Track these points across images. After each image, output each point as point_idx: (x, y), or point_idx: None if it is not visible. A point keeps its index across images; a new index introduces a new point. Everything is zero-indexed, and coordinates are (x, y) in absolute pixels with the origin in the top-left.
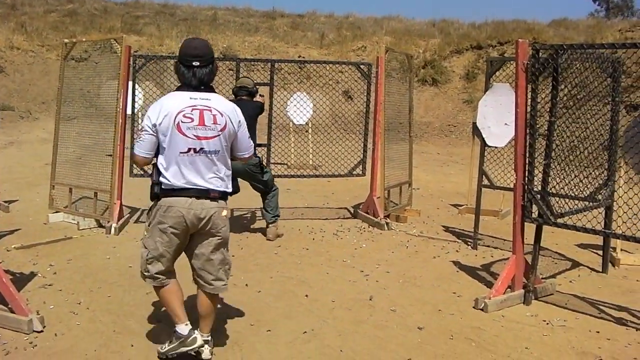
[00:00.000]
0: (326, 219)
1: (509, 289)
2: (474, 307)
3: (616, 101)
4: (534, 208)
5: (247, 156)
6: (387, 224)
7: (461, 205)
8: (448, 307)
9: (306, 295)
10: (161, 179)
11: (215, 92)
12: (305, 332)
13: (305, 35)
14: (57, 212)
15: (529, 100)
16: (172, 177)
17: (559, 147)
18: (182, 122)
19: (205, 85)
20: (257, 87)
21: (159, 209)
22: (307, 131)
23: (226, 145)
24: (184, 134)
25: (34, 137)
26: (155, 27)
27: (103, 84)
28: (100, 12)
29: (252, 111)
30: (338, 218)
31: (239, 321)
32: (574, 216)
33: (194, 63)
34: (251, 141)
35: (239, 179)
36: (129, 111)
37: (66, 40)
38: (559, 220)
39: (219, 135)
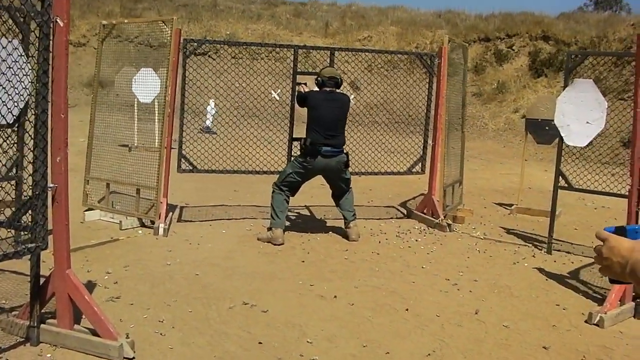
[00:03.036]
0: (379, 218)
1: (618, 302)
2: (586, 322)
3: None
4: None
5: None
6: (448, 225)
7: (508, 205)
8: (560, 322)
9: (406, 310)
10: None
11: None
12: (429, 354)
13: (308, 24)
14: (90, 209)
15: None
16: None
17: None
18: None
19: None
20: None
21: None
22: None
23: None
24: None
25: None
26: (155, 13)
27: (119, 71)
28: None
29: (347, 106)
30: (391, 218)
31: (348, 341)
32: None
33: None
34: None
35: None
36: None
37: (104, 22)
38: None
39: None
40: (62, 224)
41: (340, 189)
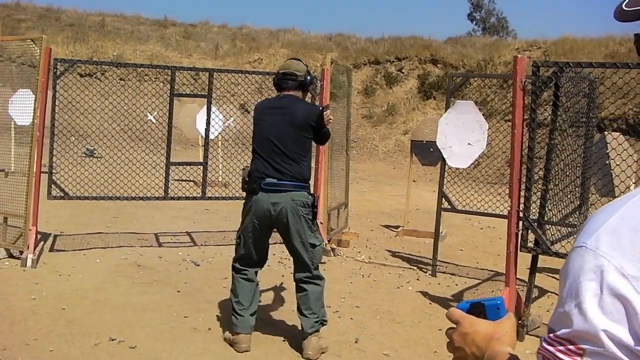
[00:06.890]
0: None
1: None
2: None
3: (592, 122)
4: (530, 236)
5: None
6: (332, 249)
7: (395, 227)
8: (442, 347)
9: (283, 341)
10: None
11: None
12: None
13: (198, 46)
14: None
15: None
16: None
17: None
18: None
19: None
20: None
21: None
22: (217, 146)
23: None
24: None
25: None
26: (40, 32)
27: None
28: None
29: (303, 117)
30: (274, 243)
31: None
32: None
33: None
34: None
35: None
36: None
37: None
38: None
39: None
40: None
41: (298, 257)
